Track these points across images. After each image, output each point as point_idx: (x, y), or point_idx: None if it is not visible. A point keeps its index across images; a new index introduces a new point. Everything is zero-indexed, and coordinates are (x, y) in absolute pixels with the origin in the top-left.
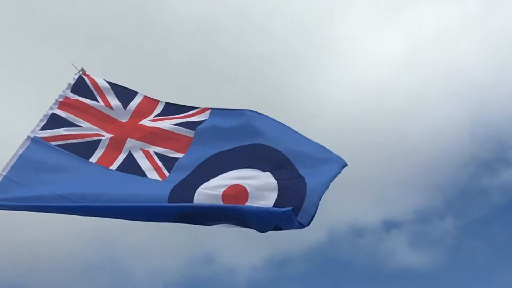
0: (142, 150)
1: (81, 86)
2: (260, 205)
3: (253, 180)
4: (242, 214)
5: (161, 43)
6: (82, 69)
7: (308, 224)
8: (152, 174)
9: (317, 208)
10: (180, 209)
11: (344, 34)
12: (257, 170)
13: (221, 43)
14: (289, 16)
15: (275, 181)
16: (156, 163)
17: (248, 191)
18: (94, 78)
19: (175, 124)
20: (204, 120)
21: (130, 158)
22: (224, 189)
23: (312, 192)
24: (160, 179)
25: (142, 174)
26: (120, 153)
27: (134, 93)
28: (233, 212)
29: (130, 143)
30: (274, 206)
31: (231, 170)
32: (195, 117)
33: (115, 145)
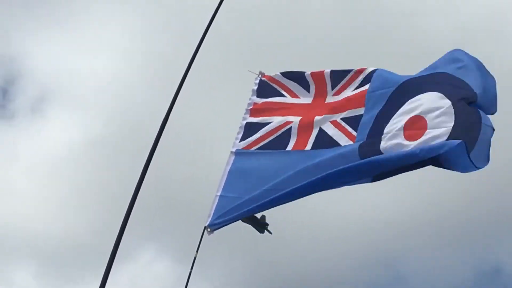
0: (330, 121)
1: (264, 88)
2: (434, 142)
3: (429, 106)
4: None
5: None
6: (260, 72)
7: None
8: (344, 141)
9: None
10: (372, 165)
11: None
12: (435, 92)
13: None
14: None
15: (452, 107)
16: (344, 128)
17: (427, 121)
18: (271, 76)
19: (353, 89)
20: (374, 70)
21: (321, 133)
22: (403, 124)
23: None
24: (352, 142)
25: (336, 144)
26: (311, 132)
27: (303, 73)
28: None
29: (318, 120)
30: (449, 136)
31: (408, 99)
32: (363, 72)
33: (306, 127)
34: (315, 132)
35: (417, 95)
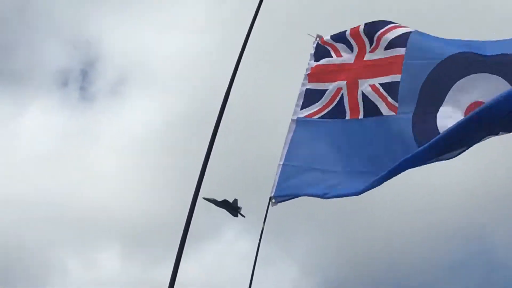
0: (370, 86)
1: (319, 51)
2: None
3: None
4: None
5: None
6: (318, 35)
7: None
8: (386, 110)
9: None
10: (437, 146)
11: None
12: (490, 74)
13: None
14: None
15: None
16: (383, 95)
17: None
18: (324, 38)
19: (386, 48)
20: (409, 33)
21: (366, 99)
22: (464, 109)
23: None
24: (394, 113)
25: (379, 113)
26: (357, 98)
27: (343, 33)
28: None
29: (360, 84)
30: None
31: (458, 80)
32: (400, 28)
33: (353, 92)
34: (361, 99)
35: (477, 72)
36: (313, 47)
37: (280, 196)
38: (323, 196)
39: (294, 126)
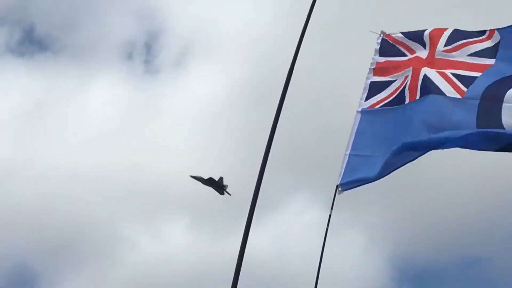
0: (438, 72)
1: (385, 47)
2: None
3: None
4: None
5: None
6: (382, 31)
7: None
8: (449, 92)
9: None
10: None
11: None
12: None
13: None
14: None
15: None
16: (453, 81)
17: None
18: (392, 35)
19: (471, 55)
20: (498, 43)
21: (427, 81)
22: None
23: None
24: (459, 96)
25: (440, 92)
26: (419, 81)
27: (422, 32)
28: None
29: (425, 70)
30: None
31: None
32: (487, 42)
33: (414, 77)
34: (420, 81)
35: None
36: (377, 42)
37: (347, 184)
38: (385, 175)
39: (359, 117)
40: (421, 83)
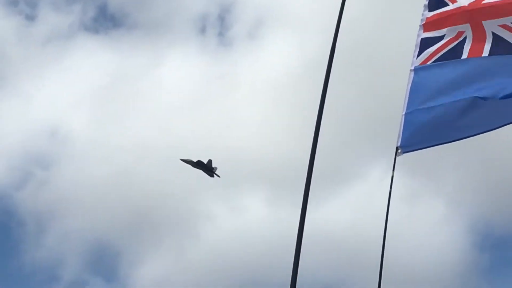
0: (500, 26)
1: (433, 1)
2: None
3: None
4: None
5: None
6: None
7: None
8: None
9: None
10: None
11: None
12: None
13: None
14: None
15: None
16: None
17: None
18: None
19: None
20: None
21: (496, 38)
22: None
23: None
24: None
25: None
26: (485, 38)
27: None
28: None
29: (487, 24)
30: None
31: None
32: None
33: (478, 33)
34: (489, 38)
35: None
36: None
37: (406, 146)
38: (452, 140)
39: (412, 75)
40: (492, 43)
